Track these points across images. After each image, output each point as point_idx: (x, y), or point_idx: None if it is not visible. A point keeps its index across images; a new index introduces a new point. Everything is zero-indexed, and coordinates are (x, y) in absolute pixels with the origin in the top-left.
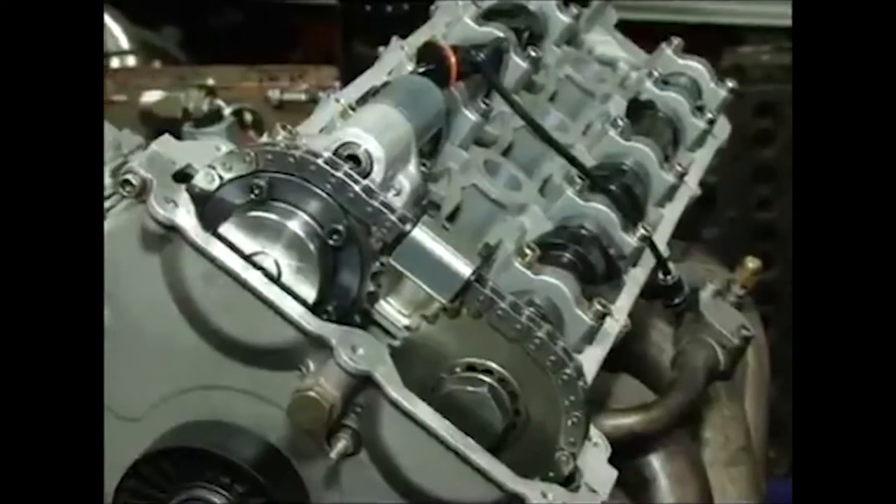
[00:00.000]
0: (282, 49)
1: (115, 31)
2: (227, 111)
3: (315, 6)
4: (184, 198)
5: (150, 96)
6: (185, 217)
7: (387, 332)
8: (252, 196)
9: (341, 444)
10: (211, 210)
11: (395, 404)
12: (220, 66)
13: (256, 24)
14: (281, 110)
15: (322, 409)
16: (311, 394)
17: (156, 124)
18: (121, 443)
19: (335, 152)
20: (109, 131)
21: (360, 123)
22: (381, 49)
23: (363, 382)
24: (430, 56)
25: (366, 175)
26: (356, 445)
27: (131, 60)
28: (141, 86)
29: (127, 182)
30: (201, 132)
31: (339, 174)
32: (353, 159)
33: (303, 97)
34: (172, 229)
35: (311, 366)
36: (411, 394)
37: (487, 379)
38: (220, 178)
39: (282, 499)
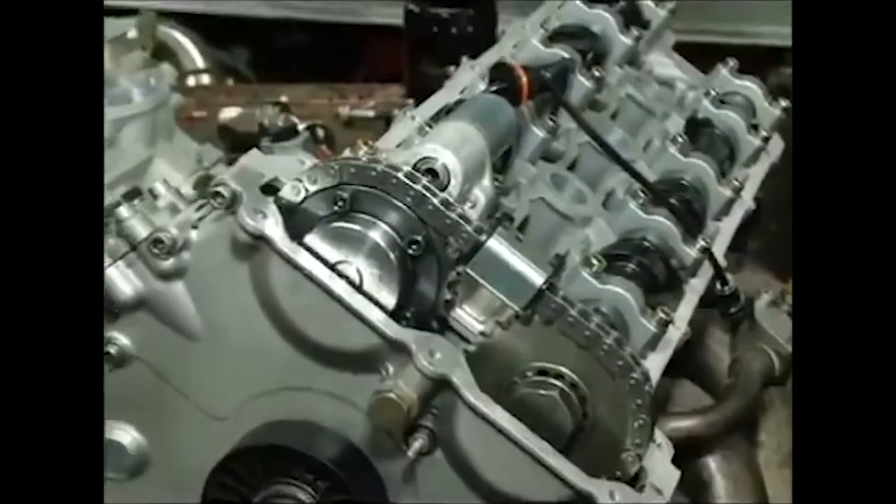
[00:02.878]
0: (347, 69)
1: (191, 50)
2: (301, 127)
3: (381, 27)
4: (272, 209)
5: (228, 113)
6: (273, 227)
7: (462, 337)
8: (336, 208)
9: (418, 443)
10: (297, 221)
11: (470, 406)
12: (291, 85)
13: (323, 44)
14: (350, 127)
15: (400, 410)
16: (391, 395)
17: (233, 139)
18: (209, 440)
19: (414, 166)
20: (191, 145)
21: (438, 139)
22: (450, 69)
23: (440, 385)
24: (502, 75)
25: (443, 188)
26: (432, 445)
27: (206, 79)
28: (219, 103)
29: (218, 194)
30: (278, 147)
31: (419, 187)
32: (432, 173)
33: (371, 114)
34: (261, 239)
35: (391, 369)
36: (486, 397)
37: (558, 383)
38: (306, 190)
39: (362, 496)
